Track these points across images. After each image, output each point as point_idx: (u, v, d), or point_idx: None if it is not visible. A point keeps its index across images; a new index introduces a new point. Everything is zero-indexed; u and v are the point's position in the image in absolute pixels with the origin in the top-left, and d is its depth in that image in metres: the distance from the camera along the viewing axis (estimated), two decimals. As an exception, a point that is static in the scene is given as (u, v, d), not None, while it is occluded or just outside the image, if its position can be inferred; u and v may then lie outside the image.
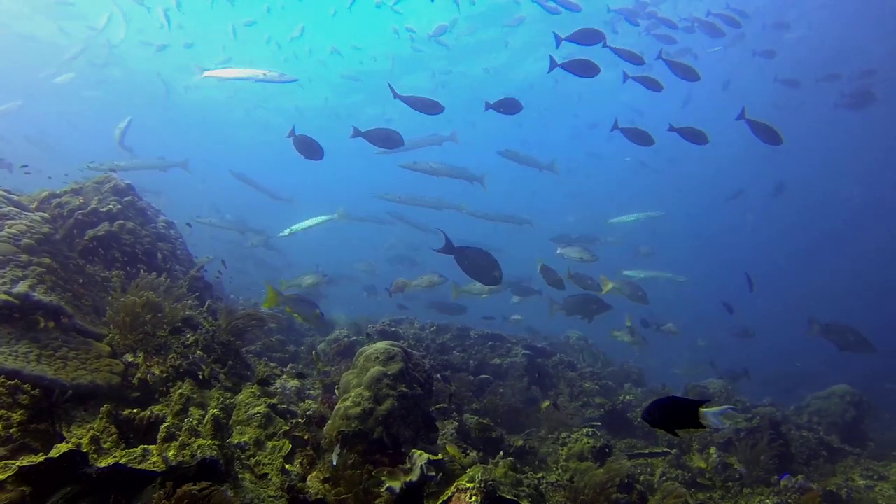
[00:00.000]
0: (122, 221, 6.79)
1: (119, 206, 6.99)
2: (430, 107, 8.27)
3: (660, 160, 30.61)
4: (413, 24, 22.98)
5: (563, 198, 40.11)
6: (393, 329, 9.92)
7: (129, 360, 4.87)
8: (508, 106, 8.55)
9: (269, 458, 4.37)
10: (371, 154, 11.70)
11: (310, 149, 7.77)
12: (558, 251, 10.93)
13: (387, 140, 8.54)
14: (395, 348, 5.43)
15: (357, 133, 8.51)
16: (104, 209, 6.86)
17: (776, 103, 24.33)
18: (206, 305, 6.47)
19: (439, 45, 23.88)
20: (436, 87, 30.63)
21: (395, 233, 23.18)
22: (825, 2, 21.45)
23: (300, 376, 6.40)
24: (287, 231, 14.23)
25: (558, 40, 9.03)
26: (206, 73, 12.26)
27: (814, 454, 7.83)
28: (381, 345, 5.48)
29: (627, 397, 9.05)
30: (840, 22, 21.94)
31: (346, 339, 9.20)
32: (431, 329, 11.02)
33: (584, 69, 8.40)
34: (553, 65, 8.63)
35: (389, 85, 8.40)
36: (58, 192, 7.16)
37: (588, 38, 8.84)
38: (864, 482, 7.26)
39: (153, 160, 14.61)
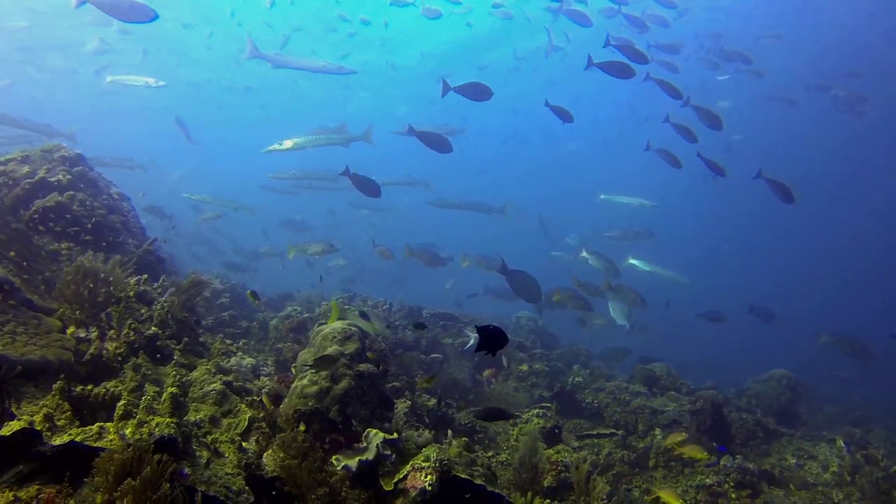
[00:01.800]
0: (72, 192, 6.60)
1: (69, 177, 6.79)
2: (482, 92, 8.27)
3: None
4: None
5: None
6: (347, 307, 9.91)
7: (82, 335, 4.78)
8: (563, 114, 8.79)
9: (226, 436, 4.37)
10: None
11: (368, 189, 8.63)
12: (582, 254, 10.83)
13: (440, 144, 8.74)
14: (353, 328, 5.48)
15: (411, 131, 8.52)
16: (53, 179, 6.65)
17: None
18: (160, 280, 6.36)
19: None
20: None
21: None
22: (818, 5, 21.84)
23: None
24: (198, 196, 13.69)
25: (608, 40, 9.27)
26: (257, 55, 11.57)
27: (751, 435, 8.21)
28: (339, 324, 5.51)
29: (576, 379, 9.26)
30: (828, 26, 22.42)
31: (298, 315, 9.12)
32: (384, 307, 11.06)
33: (620, 71, 8.54)
34: (589, 63, 8.69)
35: (444, 80, 8.29)
36: (2, 159, 6.90)
37: (633, 53, 9.14)
38: (795, 461, 7.67)
39: (40, 125, 13.70)
